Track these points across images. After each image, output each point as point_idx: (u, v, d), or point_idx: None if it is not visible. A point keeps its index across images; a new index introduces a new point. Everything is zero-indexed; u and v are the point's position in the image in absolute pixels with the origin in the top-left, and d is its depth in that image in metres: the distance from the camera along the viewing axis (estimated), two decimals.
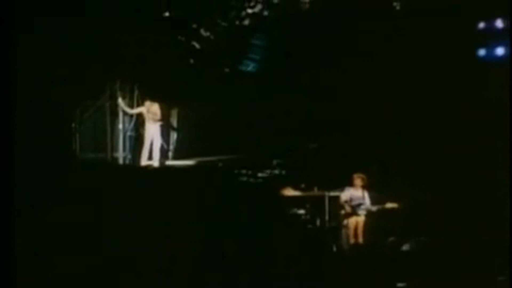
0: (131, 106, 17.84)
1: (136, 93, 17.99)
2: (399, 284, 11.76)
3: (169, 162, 17.92)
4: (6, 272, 8.55)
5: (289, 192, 15.91)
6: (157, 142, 17.31)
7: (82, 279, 9.62)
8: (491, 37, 17.07)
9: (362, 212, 15.44)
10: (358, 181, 15.54)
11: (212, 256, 10.66)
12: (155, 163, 17.13)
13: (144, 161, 17.17)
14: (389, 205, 15.28)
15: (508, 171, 14.82)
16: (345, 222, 15.50)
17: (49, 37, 13.01)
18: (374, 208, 15.44)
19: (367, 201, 15.48)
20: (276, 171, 17.29)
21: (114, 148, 17.84)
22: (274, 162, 17.40)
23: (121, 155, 17.97)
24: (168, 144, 18.18)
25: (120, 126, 18.04)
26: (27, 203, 9.60)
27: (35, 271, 9.32)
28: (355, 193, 15.54)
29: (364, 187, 15.55)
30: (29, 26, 11.57)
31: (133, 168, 16.96)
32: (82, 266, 9.71)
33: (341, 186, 15.77)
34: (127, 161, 17.86)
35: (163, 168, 17.14)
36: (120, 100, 17.63)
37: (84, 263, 9.76)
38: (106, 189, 11.26)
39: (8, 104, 8.91)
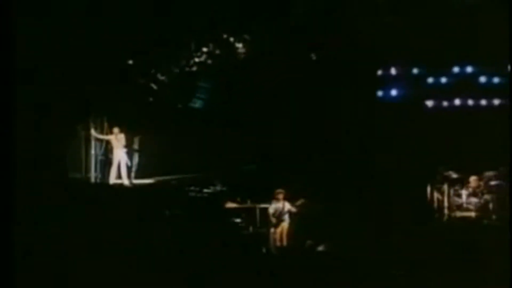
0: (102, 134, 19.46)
1: (105, 124, 19.63)
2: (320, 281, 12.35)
3: (133, 181, 19.31)
4: (5, 272, 9.31)
5: (228, 204, 17.94)
6: (123, 164, 19.01)
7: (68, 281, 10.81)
8: (388, 82, 20.52)
9: (285, 219, 17.33)
10: (279, 195, 17.39)
11: (166, 256, 12.13)
12: (124, 181, 18.82)
13: (112, 180, 18.92)
14: (299, 202, 17.29)
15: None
16: (272, 229, 17.26)
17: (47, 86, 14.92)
18: (293, 210, 17.23)
19: (288, 209, 17.35)
20: (218, 188, 19.04)
21: (87, 169, 19.41)
22: (217, 180, 19.18)
23: (93, 175, 19.42)
24: (131, 166, 19.50)
25: (93, 151, 19.49)
26: (26, 208, 10.95)
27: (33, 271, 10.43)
28: (278, 205, 17.40)
29: (284, 199, 17.33)
30: (29, 79, 13.47)
31: (106, 185, 18.70)
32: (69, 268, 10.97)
33: (268, 200, 17.68)
34: (98, 180, 19.37)
35: (128, 185, 18.87)
36: (92, 130, 19.34)
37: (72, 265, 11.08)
38: (86, 199, 13.24)
39: (11, 132, 10.33)
